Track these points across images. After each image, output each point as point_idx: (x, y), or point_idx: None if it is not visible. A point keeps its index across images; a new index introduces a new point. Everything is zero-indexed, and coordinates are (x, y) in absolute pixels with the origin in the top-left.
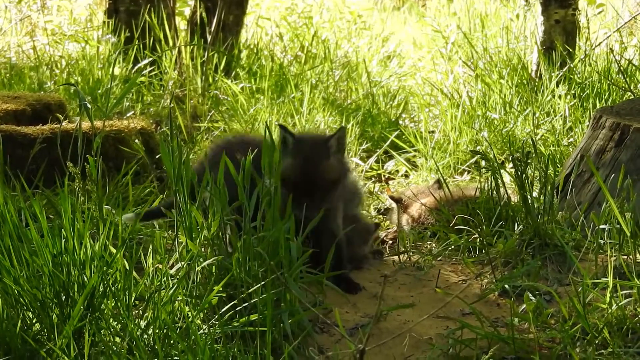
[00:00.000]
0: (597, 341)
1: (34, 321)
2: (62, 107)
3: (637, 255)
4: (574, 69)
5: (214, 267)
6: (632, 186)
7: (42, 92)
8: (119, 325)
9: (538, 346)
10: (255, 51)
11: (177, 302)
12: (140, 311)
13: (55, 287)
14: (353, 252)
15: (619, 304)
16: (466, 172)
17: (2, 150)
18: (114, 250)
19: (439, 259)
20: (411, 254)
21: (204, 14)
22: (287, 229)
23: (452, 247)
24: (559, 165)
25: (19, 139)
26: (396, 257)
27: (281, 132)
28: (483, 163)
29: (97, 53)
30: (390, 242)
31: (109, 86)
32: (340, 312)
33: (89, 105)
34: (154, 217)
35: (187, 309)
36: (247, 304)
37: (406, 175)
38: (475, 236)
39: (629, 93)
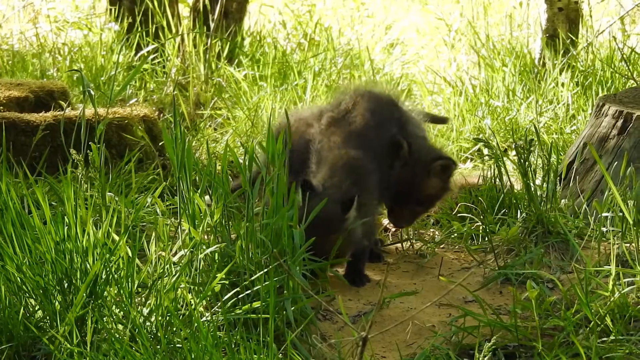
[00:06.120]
0: (599, 329)
1: (36, 308)
2: (65, 94)
3: None
4: (577, 57)
5: (216, 254)
6: (635, 174)
7: (45, 80)
8: (122, 313)
9: (540, 334)
10: (258, 39)
11: (179, 289)
12: (143, 298)
13: (58, 274)
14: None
15: (622, 292)
16: (469, 160)
17: (5, 138)
18: (116, 238)
19: (441, 246)
20: (414, 241)
21: (206, 1)
22: (290, 216)
23: (455, 234)
24: (561, 153)
25: (21, 126)
26: (399, 245)
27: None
28: (486, 151)
29: (100, 40)
30: (393, 229)
31: (112, 73)
32: (343, 299)
33: (93, 92)
34: None
35: (189, 296)
36: (250, 291)
37: None
38: (478, 224)
39: (632, 81)
